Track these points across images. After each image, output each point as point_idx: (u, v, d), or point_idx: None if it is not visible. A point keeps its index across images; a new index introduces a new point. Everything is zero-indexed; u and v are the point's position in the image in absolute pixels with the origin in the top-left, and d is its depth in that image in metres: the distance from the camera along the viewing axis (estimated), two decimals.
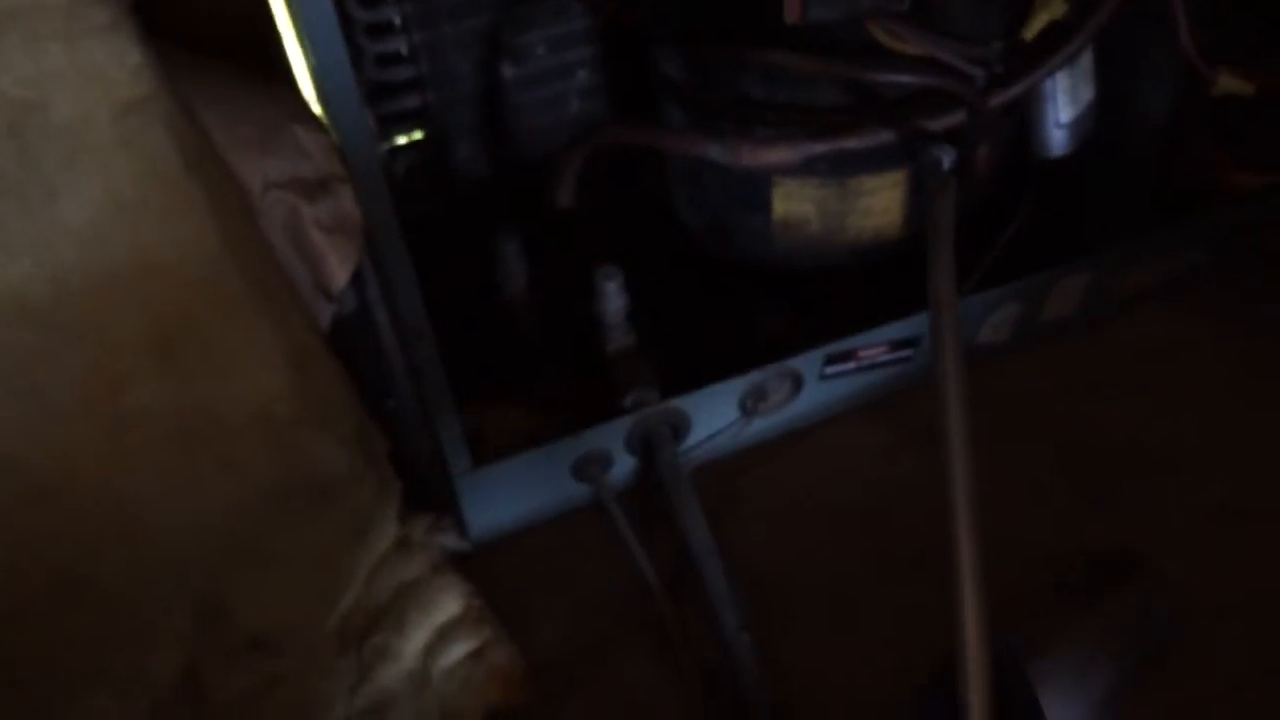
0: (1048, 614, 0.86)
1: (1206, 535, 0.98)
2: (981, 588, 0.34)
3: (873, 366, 1.05)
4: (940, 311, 0.75)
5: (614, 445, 0.98)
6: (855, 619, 0.94)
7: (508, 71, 1.00)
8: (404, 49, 0.98)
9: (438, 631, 0.90)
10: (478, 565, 0.95)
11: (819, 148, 0.94)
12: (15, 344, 0.60)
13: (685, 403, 0.98)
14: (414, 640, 0.89)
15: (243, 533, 0.73)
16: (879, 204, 1.02)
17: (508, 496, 0.97)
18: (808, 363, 1.01)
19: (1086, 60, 1.00)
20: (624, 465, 1.01)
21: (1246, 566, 0.96)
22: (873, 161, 0.98)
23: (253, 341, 0.67)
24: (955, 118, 0.95)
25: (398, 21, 0.96)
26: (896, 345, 1.04)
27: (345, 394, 0.77)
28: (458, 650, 0.90)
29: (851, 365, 1.03)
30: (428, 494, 0.96)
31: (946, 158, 0.95)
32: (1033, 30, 0.94)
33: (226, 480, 0.70)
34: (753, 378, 0.99)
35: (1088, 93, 1.02)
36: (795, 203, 1.02)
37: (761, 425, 1.05)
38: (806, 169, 0.97)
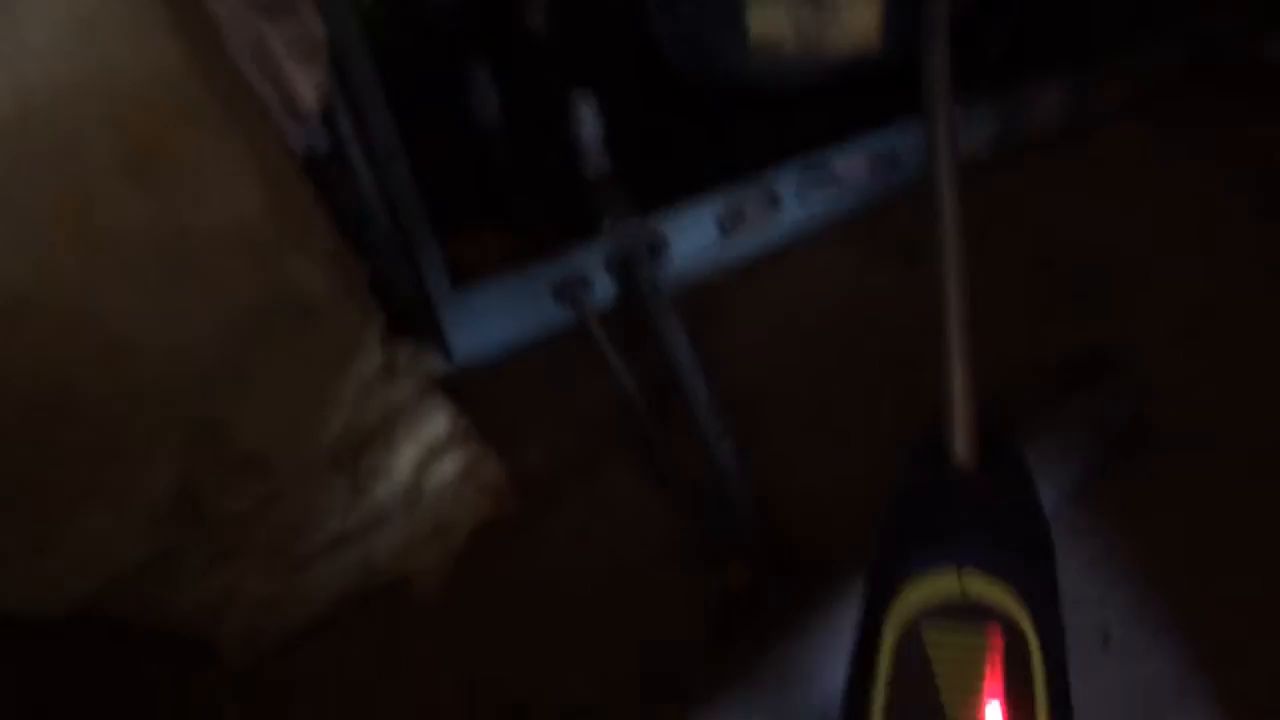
0: (1019, 413, 0.88)
1: (1176, 333, 1.01)
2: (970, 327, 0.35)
3: (851, 182, 1.05)
4: (936, 102, 0.73)
5: (593, 267, 0.99)
6: (833, 425, 0.96)
7: None
8: None
9: (427, 450, 0.92)
10: (463, 389, 0.97)
11: None
12: None
13: (664, 222, 0.99)
14: (404, 459, 0.91)
15: (228, 353, 0.74)
16: (856, 21, 1.01)
17: (489, 321, 0.98)
18: (785, 179, 1.01)
19: None
20: (604, 287, 1.02)
21: (1213, 362, 0.98)
22: None
23: (224, 158, 0.67)
24: None
25: None
26: (874, 160, 1.04)
27: (320, 217, 0.77)
28: (448, 467, 0.92)
29: (829, 181, 1.03)
30: (411, 327, 0.97)
31: None
32: None
33: (208, 299, 0.70)
34: (730, 197, 0.99)
35: None
36: (772, 23, 1.00)
37: (741, 245, 1.05)
38: None
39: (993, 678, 0.31)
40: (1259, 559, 0.89)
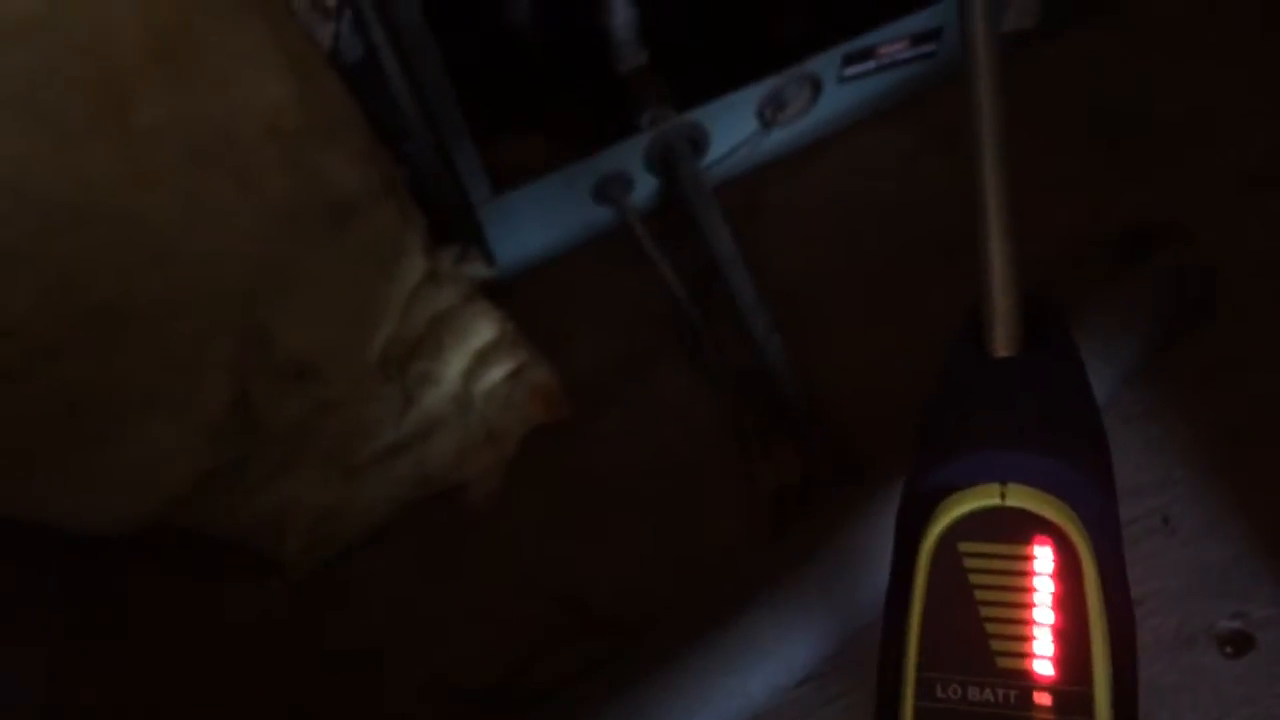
0: (1076, 286, 0.86)
1: (1239, 202, 0.97)
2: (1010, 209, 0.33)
3: (894, 64, 1.01)
4: None
5: (633, 165, 0.97)
6: (882, 318, 0.95)
7: None
8: None
9: (475, 356, 0.92)
10: (508, 294, 0.96)
11: None
12: (16, 65, 0.59)
13: (703, 115, 0.96)
14: (453, 366, 0.91)
15: (269, 256, 0.74)
16: None
17: (531, 224, 0.97)
18: (825, 64, 0.98)
19: None
20: (645, 186, 1.00)
21: (1277, 230, 0.95)
22: None
23: (251, 48, 0.66)
24: None
25: None
26: (918, 39, 1.00)
27: (351, 110, 0.76)
28: (497, 372, 0.92)
29: (871, 64, 1.00)
30: (453, 234, 0.96)
31: None
32: None
33: (246, 200, 0.70)
34: (769, 84, 0.97)
35: None
36: None
37: (782, 136, 1.03)
38: None
39: (1039, 594, 0.29)
40: None
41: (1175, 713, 0.75)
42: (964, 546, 0.30)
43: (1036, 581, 0.29)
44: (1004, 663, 0.29)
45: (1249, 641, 0.78)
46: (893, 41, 0.99)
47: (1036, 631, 0.29)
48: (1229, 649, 0.78)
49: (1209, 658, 0.77)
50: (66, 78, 0.60)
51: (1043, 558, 0.29)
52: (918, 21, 0.99)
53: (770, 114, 0.99)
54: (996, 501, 0.30)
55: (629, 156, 0.97)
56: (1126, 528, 0.84)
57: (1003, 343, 0.32)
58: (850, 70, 1.00)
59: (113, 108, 0.62)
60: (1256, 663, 0.77)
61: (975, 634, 0.29)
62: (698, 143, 0.98)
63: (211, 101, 0.65)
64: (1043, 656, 0.29)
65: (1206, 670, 0.77)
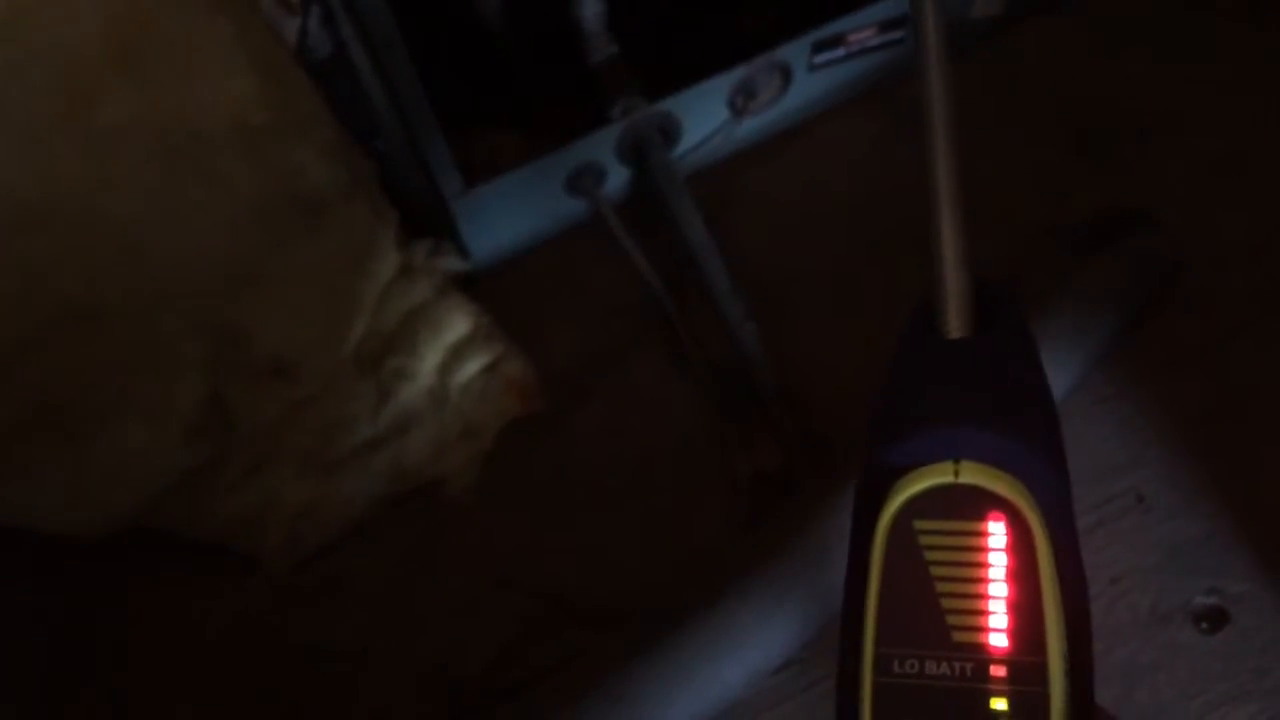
0: (1046, 272, 0.87)
1: (1205, 187, 0.98)
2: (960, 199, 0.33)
3: (863, 51, 1.01)
4: None
5: (605, 156, 0.97)
6: (855, 304, 0.95)
7: None
8: None
9: (450, 350, 0.91)
10: (483, 288, 0.96)
11: None
12: None
13: (674, 105, 0.96)
14: (428, 360, 0.91)
15: (240, 253, 0.74)
16: None
17: (504, 217, 0.97)
18: (795, 52, 0.98)
19: None
20: (618, 177, 1.00)
21: (1243, 215, 0.96)
22: None
23: (215, 45, 0.65)
24: None
25: None
26: (886, 26, 1.00)
27: (318, 106, 0.75)
28: (472, 366, 0.92)
29: (841, 52, 1.00)
30: (426, 228, 0.96)
31: None
32: None
33: (214, 197, 0.70)
34: (740, 72, 0.97)
35: None
36: None
37: (754, 125, 1.03)
38: None
39: (993, 569, 0.30)
40: None
41: (1152, 690, 0.76)
42: (919, 524, 0.30)
43: (991, 557, 0.30)
44: (960, 637, 0.30)
45: (1224, 617, 0.78)
46: (861, 29, 0.99)
47: (991, 606, 0.30)
48: (1205, 625, 0.78)
49: (1185, 634, 0.78)
50: (29, 78, 0.59)
51: (996, 533, 0.30)
52: (886, 8, 0.99)
53: (741, 103, 0.99)
54: (950, 479, 0.30)
55: (601, 148, 0.97)
56: (1101, 506, 0.85)
57: (955, 323, 0.33)
58: (820, 58, 1.00)
59: (76, 107, 0.61)
60: (1232, 638, 0.78)
61: (931, 610, 0.30)
62: (669, 133, 0.98)
63: (176, 99, 0.64)
64: (998, 630, 0.29)
65: (1183, 647, 0.78)
